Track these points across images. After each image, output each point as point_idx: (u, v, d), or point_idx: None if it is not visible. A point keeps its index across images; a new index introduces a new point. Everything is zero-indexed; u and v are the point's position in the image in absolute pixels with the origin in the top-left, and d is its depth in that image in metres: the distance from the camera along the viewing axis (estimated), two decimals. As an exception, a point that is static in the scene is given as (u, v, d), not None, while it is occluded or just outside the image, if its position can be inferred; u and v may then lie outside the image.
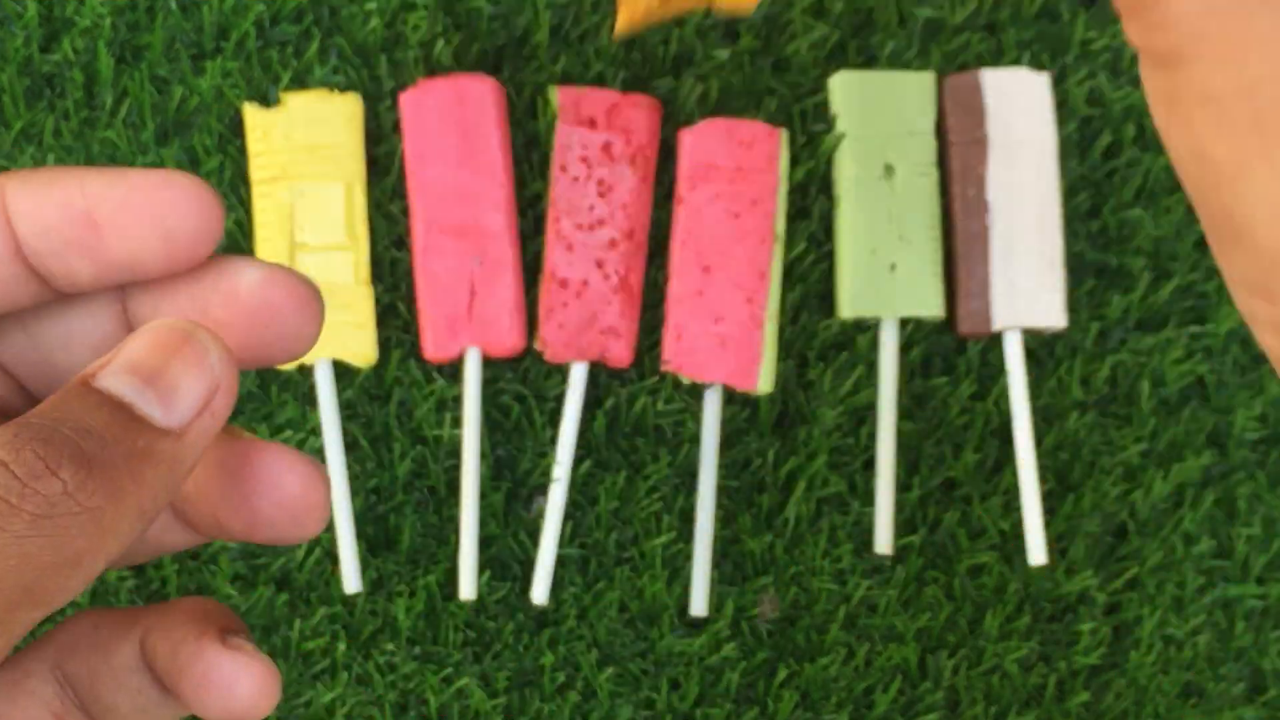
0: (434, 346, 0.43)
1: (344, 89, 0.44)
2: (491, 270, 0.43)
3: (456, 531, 0.44)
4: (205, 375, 0.23)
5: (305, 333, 0.24)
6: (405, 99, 0.43)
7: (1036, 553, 0.44)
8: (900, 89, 0.45)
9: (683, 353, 0.44)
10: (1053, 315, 0.45)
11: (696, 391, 0.45)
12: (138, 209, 0.24)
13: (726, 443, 0.45)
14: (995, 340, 0.46)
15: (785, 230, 0.45)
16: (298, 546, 0.43)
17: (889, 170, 0.45)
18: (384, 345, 0.44)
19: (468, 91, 0.43)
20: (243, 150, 0.44)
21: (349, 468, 0.43)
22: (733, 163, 0.44)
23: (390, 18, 0.45)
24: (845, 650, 0.45)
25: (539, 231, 0.44)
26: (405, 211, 0.44)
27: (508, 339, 0.43)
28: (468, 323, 0.43)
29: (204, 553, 0.43)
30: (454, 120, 0.43)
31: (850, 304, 0.45)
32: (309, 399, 0.43)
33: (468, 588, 0.43)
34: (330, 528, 0.43)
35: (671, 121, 0.45)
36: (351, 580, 0.43)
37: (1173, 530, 0.46)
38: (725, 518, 0.45)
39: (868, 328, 0.45)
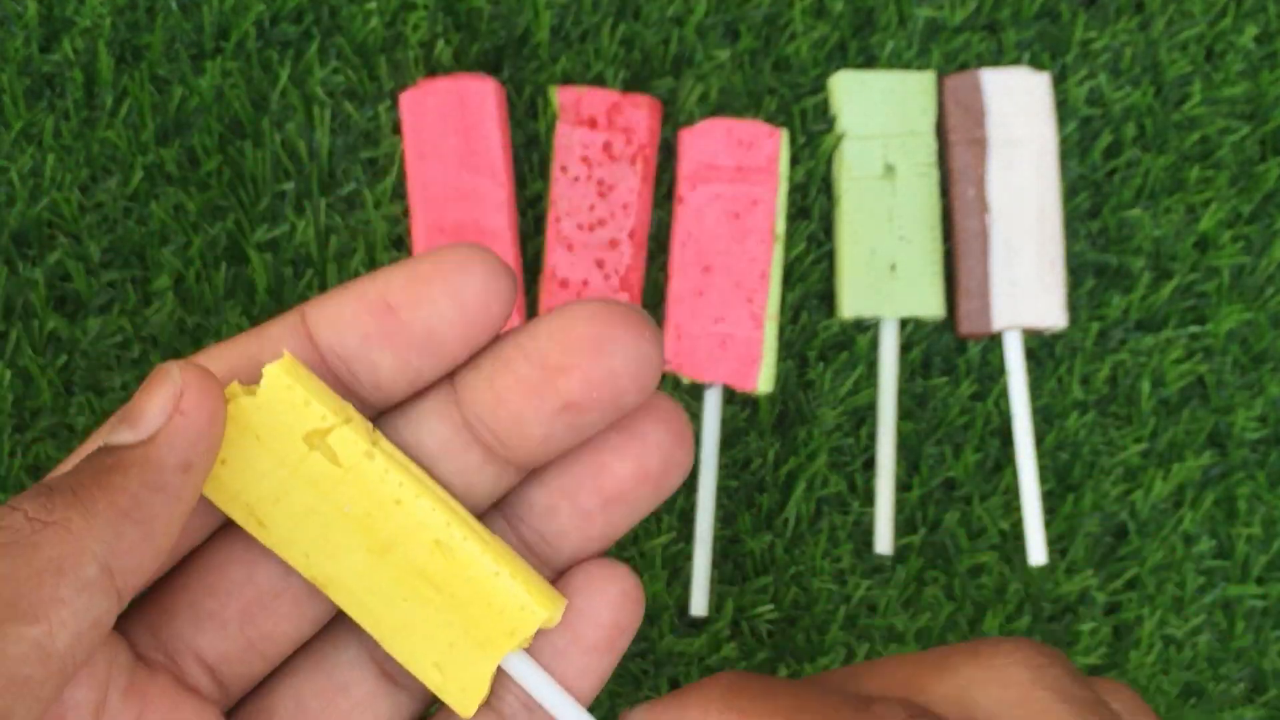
0: (434, 347, 0.43)
1: (343, 89, 0.44)
2: (491, 270, 0.43)
3: (456, 531, 0.44)
4: (166, 387, 0.24)
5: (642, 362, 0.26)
6: (405, 99, 0.43)
7: (1036, 553, 0.44)
8: (901, 89, 0.45)
9: (683, 352, 0.44)
10: (1053, 315, 0.45)
11: (697, 390, 0.45)
12: (429, 281, 0.25)
13: (726, 443, 0.45)
14: (995, 340, 0.46)
15: (785, 230, 0.45)
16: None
17: (889, 170, 0.45)
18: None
19: (468, 91, 0.43)
20: (242, 151, 0.44)
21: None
22: (733, 163, 0.44)
23: (390, 18, 0.45)
24: (845, 650, 0.45)
25: (539, 231, 0.44)
26: (405, 212, 0.44)
27: (508, 339, 0.43)
28: (467, 323, 0.43)
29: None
30: (454, 120, 0.43)
31: (850, 304, 0.45)
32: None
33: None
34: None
35: (671, 121, 0.45)
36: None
37: (1173, 530, 0.46)
38: (725, 518, 0.45)
39: (868, 327, 0.45)
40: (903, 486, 0.45)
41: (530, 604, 0.27)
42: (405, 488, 0.27)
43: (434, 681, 0.28)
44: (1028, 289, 0.45)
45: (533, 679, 0.28)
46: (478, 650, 0.28)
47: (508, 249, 0.43)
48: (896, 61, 0.46)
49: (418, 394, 0.27)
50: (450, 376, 0.27)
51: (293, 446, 0.27)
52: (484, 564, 0.27)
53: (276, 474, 0.27)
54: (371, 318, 0.26)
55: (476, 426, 0.26)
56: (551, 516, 0.28)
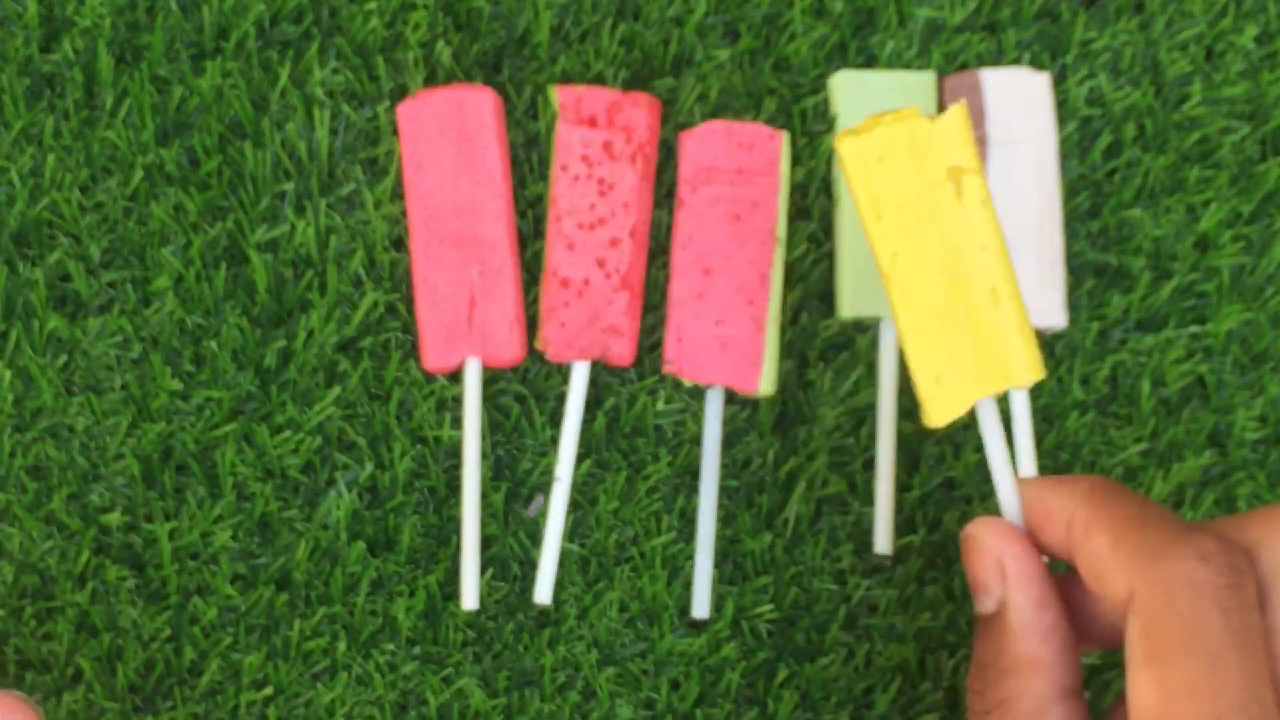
0: (433, 357, 0.43)
1: (343, 89, 0.44)
2: (491, 281, 0.43)
3: (457, 532, 0.44)
4: None
5: None
6: (402, 110, 0.43)
7: None
8: (901, 89, 0.45)
9: (684, 355, 0.44)
10: (1053, 315, 0.45)
11: (697, 392, 0.45)
12: None
13: (726, 443, 0.45)
14: (995, 340, 0.46)
15: (786, 232, 0.45)
16: (298, 545, 0.43)
17: (889, 170, 0.45)
18: (383, 346, 0.44)
19: (466, 102, 0.43)
20: (242, 151, 0.44)
21: (346, 468, 0.43)
22: (733, 165, 0.44)
23: (390, 18, 0.45)
24: (845, 650, 0.45)
25: (540, 232, 0.44)
26: (404, 213, 0.44)
27: (507, 349, 0.43)
28: (467, 333, 0.43)
29: (204, 553, 0.43)
30: (452, 131, 0.43)
31: (850, 304, 0.45)
32: (307, 399, 0.43)
33: (470, 598, 0.43)
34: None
35: (671, 122, 0.45)
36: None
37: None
38: (725, 518, 0.45)
39: (868, 328, 0.45)
40: (903, 486, 0.45)
41: (1032, 366, 0.37)
42: (993, 240, 0.37)
43: (926, 389, 0.37)
44: (1028, 288, 0.45)
45: (990, 422, 0.37)
46: (973, 380, 0.37)
47: (506, 258, 0.43)
48: (896, 61, 0.46)
49: None
50: None
51: (937, 170, 0.36)
52: (1017, 320, 0.37)
53: (913, 185, 0.36)
54: None
55: None
56: None
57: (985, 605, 0.37)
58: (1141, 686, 0.31)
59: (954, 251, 0.37)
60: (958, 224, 0.37)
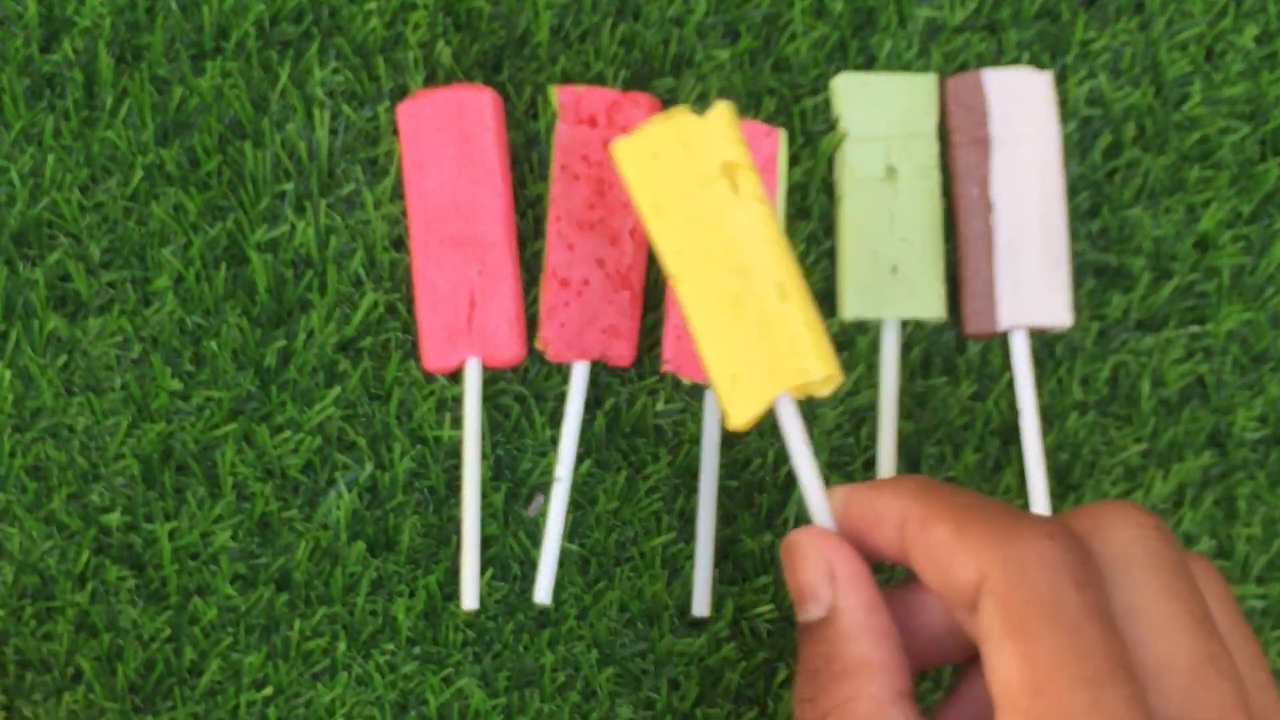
0: (433, 357, 0.43)
1: (343, 89, 0.44)
2: (491, 281, 0.43)
3: (457, 532, 0.44)
4: None
5: None
6: (402, 110, 0.43)
7: None
8: (903, 91, 0.45)
9: (682, 354, 0.44)
10: (1058, 314, 0.45)
11: (697, 391, 0.45)
12: None
13: (726, 442, 0.45)
14: (995, 340, 0.46)
15: (785, 230, 0.45)
16: (298, 545, 0.43)
17: (891, 172, 0.45)
18: (383, 346, 0.44)
19: (466, 102, 0.43)
20: (242, 151, 0.44)
21: (346, 468, 0.43)
22: (733, 163, 0.44)
23: (390, 18, 0.45)
24: (845, 650, 0.45)
25: (539, 232, 0.44)
26: (404, 213, 0.44)
27: (507, 350, 0.43)
28: (467, 334, 0.43)
29: (204, 553, 0.43)
30: (452, 131, 0.43)
31: (851, 306, 0.45)
32: (307, 399, 0.43)
33: (470, 598, 0.43)
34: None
35: (671, 121, 0.45)
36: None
37: (1173, 530, 0.46)
38: (725, 518, 0.45)
39: (868, 328, 0.45)
40: (903, 486, 0.45)
41: (818, 363, 0.36)
42: (773, 234, 0.36)
43: (724, 388, 0.36)
44: (1033, 289, 0.45)
45: (790, 422, 0.36)
46: (768, 378, 0.36)
47: (506, 258, 0.43)
48: (896, 61, 0.46)
49: None
50: None
51: (710, 166, 0.36)
52: (803, 316, 0.36)
53: (688, 180, 0.36)
54: None
55: None
56: None
57: (813, 612, 0.36)
58: (1005, 663, 0.31)
59: (736, 247, 0.36)
60: (737, 219, 0.36)
